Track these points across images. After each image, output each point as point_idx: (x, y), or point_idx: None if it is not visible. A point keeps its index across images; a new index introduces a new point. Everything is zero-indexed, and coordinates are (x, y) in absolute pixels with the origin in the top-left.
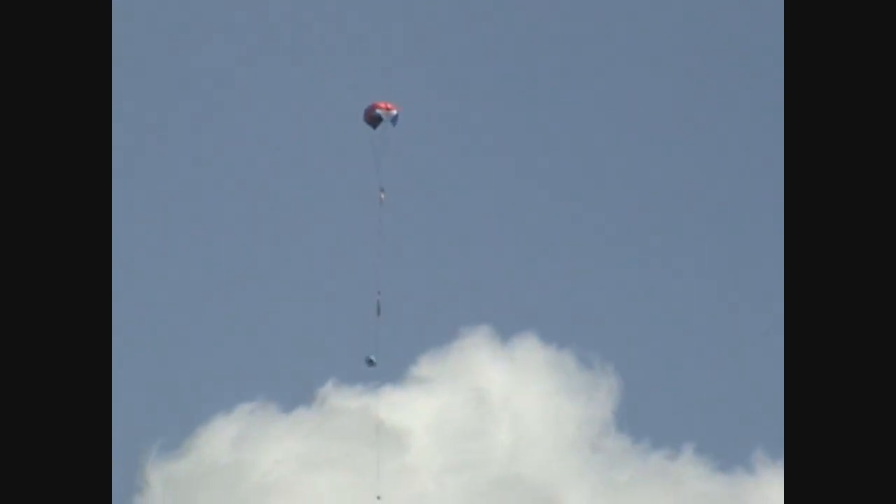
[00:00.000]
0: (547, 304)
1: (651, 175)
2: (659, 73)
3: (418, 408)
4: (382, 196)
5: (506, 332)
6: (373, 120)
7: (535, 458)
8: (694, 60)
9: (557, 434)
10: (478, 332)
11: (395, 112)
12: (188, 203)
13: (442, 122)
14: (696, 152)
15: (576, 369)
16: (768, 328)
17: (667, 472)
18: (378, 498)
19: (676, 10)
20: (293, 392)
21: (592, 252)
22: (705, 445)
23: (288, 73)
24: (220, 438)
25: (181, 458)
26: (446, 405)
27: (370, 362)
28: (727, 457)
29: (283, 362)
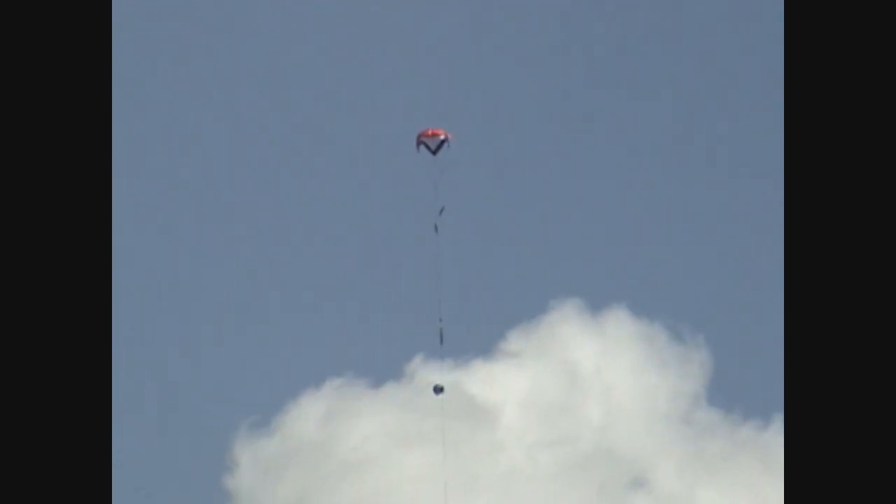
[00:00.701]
0: (638, 276)
1: (742, 151)
2: None
3: (508, 383)
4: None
5: (596, 305)
6: (427, 145)
7: (626, 432)
8: None
9: (648, 407)
10: (568, 305)
11: (441, 137)
12: (269, 178)
13: (520, 90)
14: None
15: (666, 342)
16: None
17: (757, 443)
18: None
19: None
20: (382, 367)
21: (684, 225)
22: None
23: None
24: (308, 415)
25: (270, 436)
26: (536, 380)
27: (438, 390)
28: None
29: (371, 337)
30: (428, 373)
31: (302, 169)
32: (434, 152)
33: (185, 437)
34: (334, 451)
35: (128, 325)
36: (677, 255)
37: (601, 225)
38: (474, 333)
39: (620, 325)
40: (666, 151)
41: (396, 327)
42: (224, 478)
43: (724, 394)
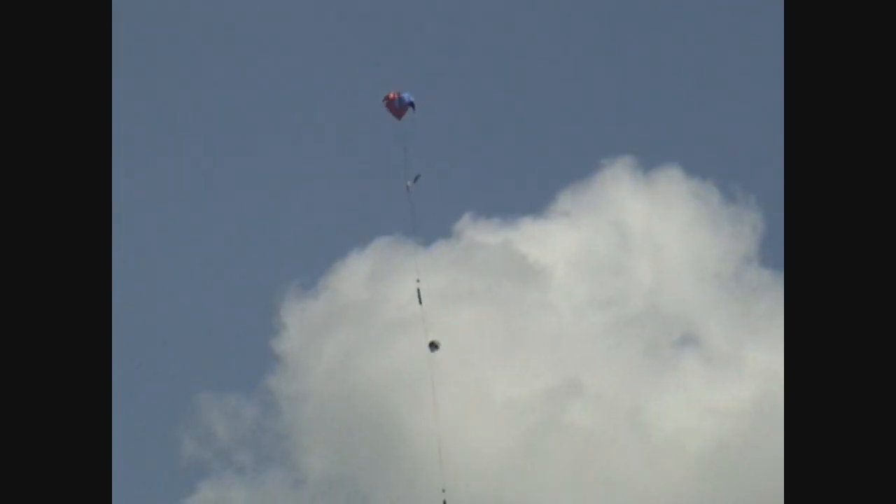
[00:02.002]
0: (691, 135)
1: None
2: None
3: (559, 242)
4: (409, 185)
5: (648, 163)
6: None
7: (675, 291)
8: None
9: (698, 266)
10: (619, 163)
11: (405, 100)
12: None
13: None
14: None
15: (718, 202)
16: None
17: None
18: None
19: None
20: (430, 226)
21: (739, 85)
22: None
23: None
24: (355, 275)
25: (317, 296)
26: (587, 239)
27: (433, 346)
28: None
29: (419, 196)
30: (476, 231)
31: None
32: (398, 115)
33: (233, 299)
34: (382, 311)
35: (176, 187)
36: (731, 115)
37: (654, 82)
38: (525, 193)
39: (672, 184)
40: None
41: (444, 187)
42: (272, 340)
43: (773, 254)
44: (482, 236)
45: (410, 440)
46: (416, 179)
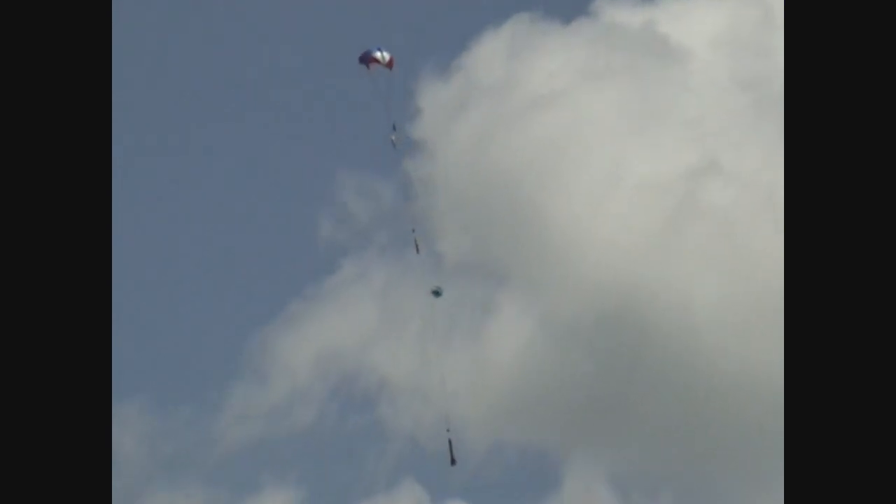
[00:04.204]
0: None
1: None
2: None
3: (702, 22)
4: (394, 138)
5: None
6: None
7: None
8: None
9: None
10: None
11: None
12: None
13: None
14: None
15: None
16: None
17: None
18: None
19: None
20: (569, 3)
21: None
22: None
23: None
24: (491, 54)
25: (451, 77)
26: (730, 18)
27: (437, 293)
28: None
29: None
30: (615, 10)
31: None
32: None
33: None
34: (519, 90)
35: None
36: None
37: None
38: None
39: None
40: None
41: None
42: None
43: None
44: (623, 16)
45: (547, 221)
46: (396, 133)
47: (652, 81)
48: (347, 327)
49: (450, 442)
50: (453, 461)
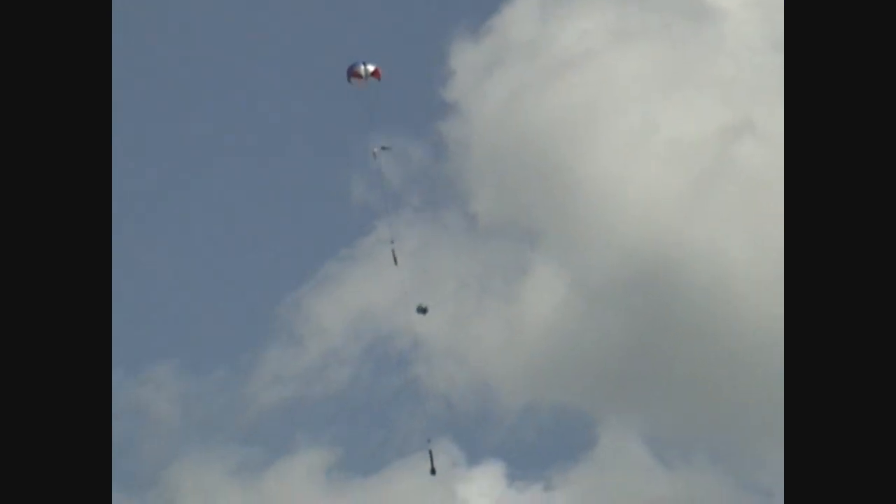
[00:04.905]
0: None
1: None
2: None
3: None
4: (375, 151)
5: None
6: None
7: None
8: None
9: None
10: None
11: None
12: None
13: None
14: None
15: None
16: None
17: None
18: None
19: None
20: None
21: None
22: None
23: None
24: (523, 15)
25: (483, 39)
26: None
27: (421, 310)
28: None
29: None
30: None
31: None
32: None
33: (404, 47)
34: (551, 50)
35: None
36: None
37: None
38: None
39: None
40: None
41: None
42: (440, 90)
43: None
44: None
45: (579, 181)
46: (382, 148)
47: (685, 41)
48: (381, 288)
49: (430, 452)
50: (433, 471)
